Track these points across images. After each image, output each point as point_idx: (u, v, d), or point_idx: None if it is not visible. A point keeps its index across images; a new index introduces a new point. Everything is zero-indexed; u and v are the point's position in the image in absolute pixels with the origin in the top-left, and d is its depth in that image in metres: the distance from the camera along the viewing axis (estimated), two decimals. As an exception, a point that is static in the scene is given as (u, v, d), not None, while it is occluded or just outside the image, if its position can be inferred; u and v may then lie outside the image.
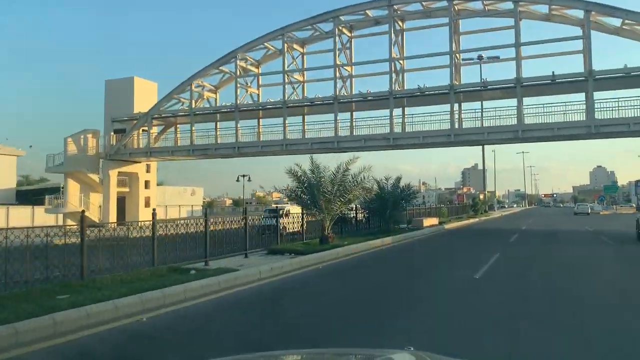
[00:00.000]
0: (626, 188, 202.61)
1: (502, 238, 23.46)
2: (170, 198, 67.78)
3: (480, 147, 60.27)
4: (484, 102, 33.22)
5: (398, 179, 25.02)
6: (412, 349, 2.59)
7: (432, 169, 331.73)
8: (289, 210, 17.89)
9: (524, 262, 14.36)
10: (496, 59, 34.26)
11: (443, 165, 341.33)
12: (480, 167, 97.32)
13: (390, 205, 23.63)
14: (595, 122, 28.35)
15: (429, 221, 32.59)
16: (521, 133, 30.15)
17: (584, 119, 28.91)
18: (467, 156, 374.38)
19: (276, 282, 10.42)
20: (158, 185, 67.60)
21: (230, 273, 10.29)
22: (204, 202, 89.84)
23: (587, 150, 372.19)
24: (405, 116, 34.76)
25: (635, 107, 28.04)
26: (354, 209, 23.89)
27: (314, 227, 19.09)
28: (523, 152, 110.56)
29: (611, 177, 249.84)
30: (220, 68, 38.69)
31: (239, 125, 37.46)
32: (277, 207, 20.32)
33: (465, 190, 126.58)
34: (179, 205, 69.44)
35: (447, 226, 33.36)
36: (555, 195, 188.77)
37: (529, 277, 11.25)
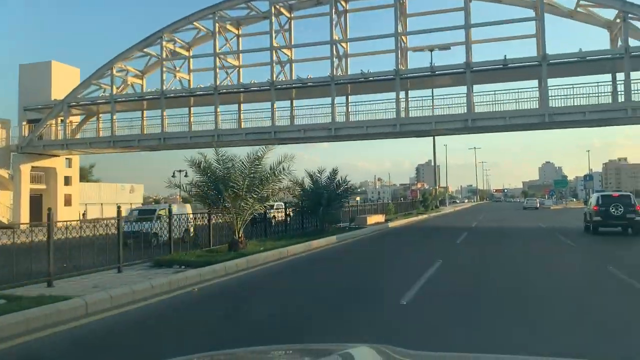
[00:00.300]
0: (573, 183, 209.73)
1: (449, 238, 20.80)
2: (107, 196, 62.86)
3: (434, 142, 58.29)
4: (433, 90, 30.72)
5: (334, 171, 21.96)
6: None
7: (388, 166, 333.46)
8: (160, 213, 14.37)
9: (469, 274, 11.50)
10: (446, 48, 31.81)
11: (399, 162, 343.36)
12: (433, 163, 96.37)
13: (325, 202, 20.57)
14: (550, 110, 26.19)
15: (373, 218, 29.90)
16: (471, 122, 27.68)
17: (537, 107, 26.75)
18: (422, 153, 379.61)
19: (95, 324, 6.94)
20: (94, 182, 62.80)
21: (44, 307, 6.92)
22: (149, 199, 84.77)
23: (536, 145, 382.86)
24: (349, 104, 31.89)
25: (591, 94, 26.04)
26: (276, 207, 20.74)
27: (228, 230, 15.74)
28: (475, 148, 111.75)
29: (559, 173, 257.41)
30: (145, 50, 34.63)
31: (166, 114, 33.60)
32: (168, 205, 16.73)
33: (419, 185, 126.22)
34: (117, 204, 64.71)
35: (393, 224, 30.67)
36: (506, 190, 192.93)
37: (475, 304, 8.29)
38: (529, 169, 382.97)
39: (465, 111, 27.69)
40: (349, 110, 31.37)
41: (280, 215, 22.60)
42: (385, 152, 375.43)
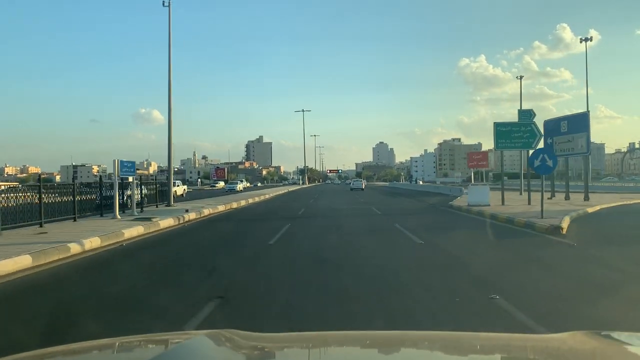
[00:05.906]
0: (406, 164, 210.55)
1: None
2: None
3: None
4: None
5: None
6: None
7: (228, 146, 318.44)
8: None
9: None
10: None
11: (238, 142, 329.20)
12: (265, 140, 79.30)
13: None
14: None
15: None
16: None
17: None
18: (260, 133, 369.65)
19: None
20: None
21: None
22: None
23: (370, 129, 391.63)
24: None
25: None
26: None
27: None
28: (303, 110, 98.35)
29: (391, 154, 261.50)
30: None
31: None
32: None
33: (247, 165, 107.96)
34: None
35: None
36: (340, 171, 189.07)
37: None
38: (364, 151, 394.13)
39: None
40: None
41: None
42: (226, 134, 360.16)
